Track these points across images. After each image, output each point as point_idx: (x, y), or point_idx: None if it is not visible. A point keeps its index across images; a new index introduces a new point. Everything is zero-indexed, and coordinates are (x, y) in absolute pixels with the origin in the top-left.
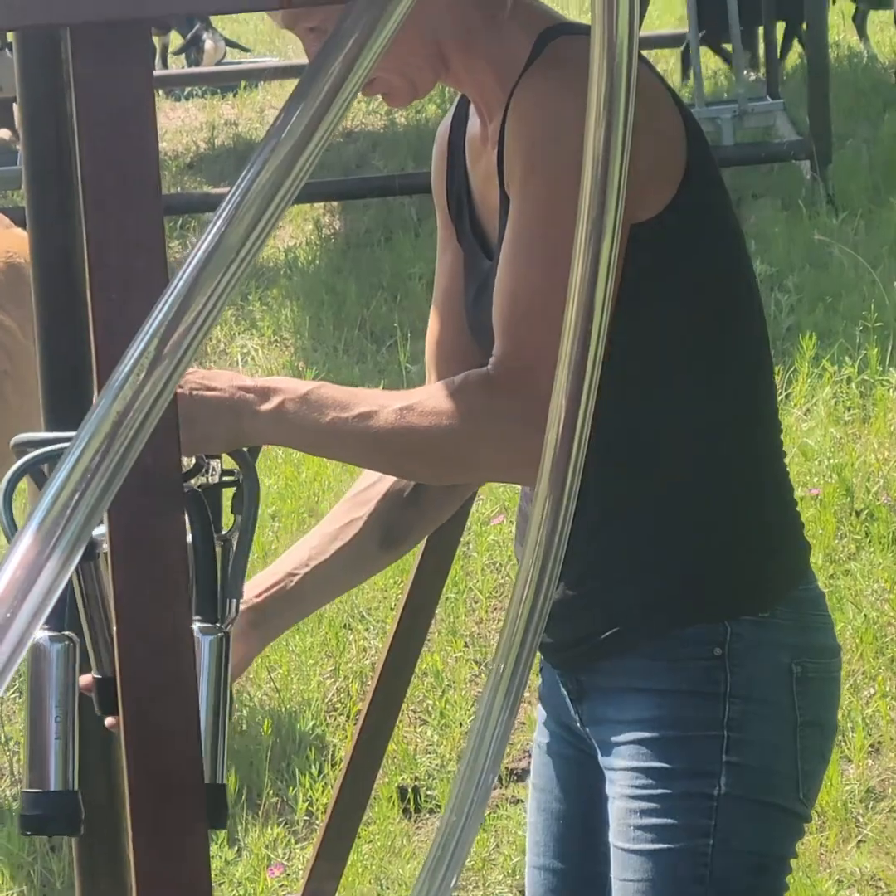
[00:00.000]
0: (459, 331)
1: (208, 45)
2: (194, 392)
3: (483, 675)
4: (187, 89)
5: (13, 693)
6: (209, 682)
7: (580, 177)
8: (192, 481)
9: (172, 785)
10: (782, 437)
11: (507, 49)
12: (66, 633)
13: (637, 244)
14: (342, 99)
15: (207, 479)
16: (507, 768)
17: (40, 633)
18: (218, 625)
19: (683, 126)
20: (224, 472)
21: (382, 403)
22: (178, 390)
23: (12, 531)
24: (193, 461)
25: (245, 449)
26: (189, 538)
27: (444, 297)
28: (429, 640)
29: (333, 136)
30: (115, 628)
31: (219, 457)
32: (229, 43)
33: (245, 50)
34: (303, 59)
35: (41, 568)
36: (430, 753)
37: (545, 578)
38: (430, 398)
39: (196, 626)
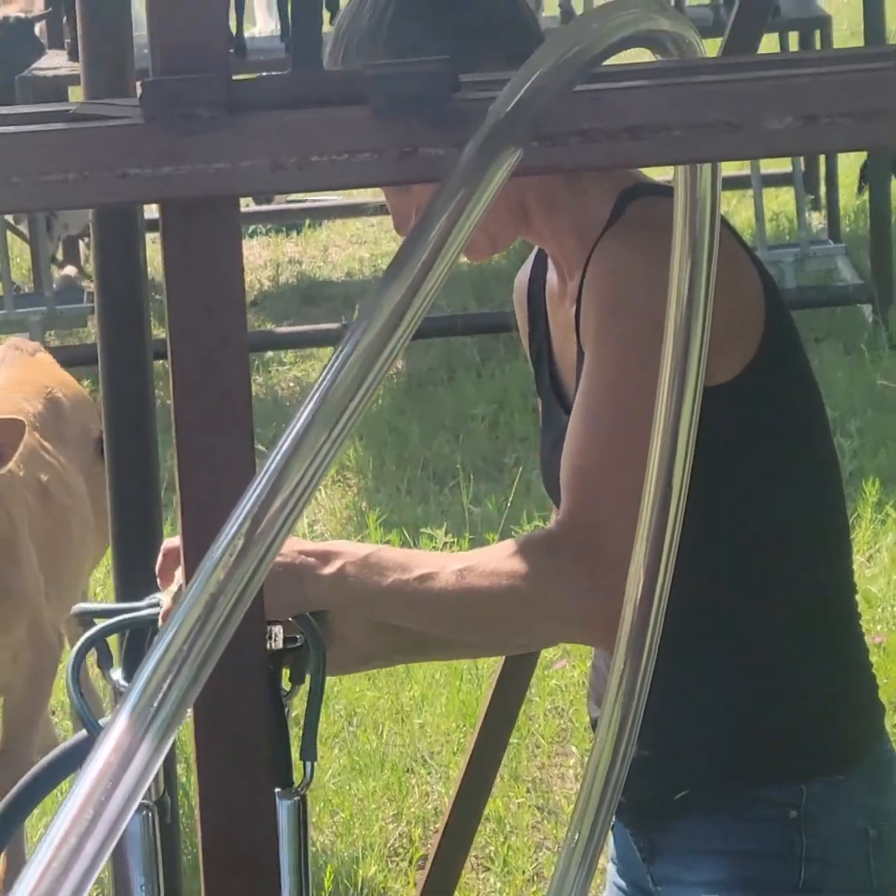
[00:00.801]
0: None
1: None
2: None
3: (546, 821)
4: (251, 227)
5: None
6: (289, 846)
7: (654, 342)
8: None
9: None
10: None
11: (588, 209)
12: (144, 801)
13: (715, 406)
14: (432, 281)
15: (271, 645)
16: None
17: None
18: (294, 788)
19: (761, 283)
20: (288, 639)
21: (442, 564)
22: None
23: (81, 704)
24: None
25: (310, 614)
26: None
27: None
28: None
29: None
30: (197, 799)
31: (281, 622)
32: None
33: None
34: (367, 198)
35: (135, 752)
36: None
37: (620, 752)
38: (491, 559)
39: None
